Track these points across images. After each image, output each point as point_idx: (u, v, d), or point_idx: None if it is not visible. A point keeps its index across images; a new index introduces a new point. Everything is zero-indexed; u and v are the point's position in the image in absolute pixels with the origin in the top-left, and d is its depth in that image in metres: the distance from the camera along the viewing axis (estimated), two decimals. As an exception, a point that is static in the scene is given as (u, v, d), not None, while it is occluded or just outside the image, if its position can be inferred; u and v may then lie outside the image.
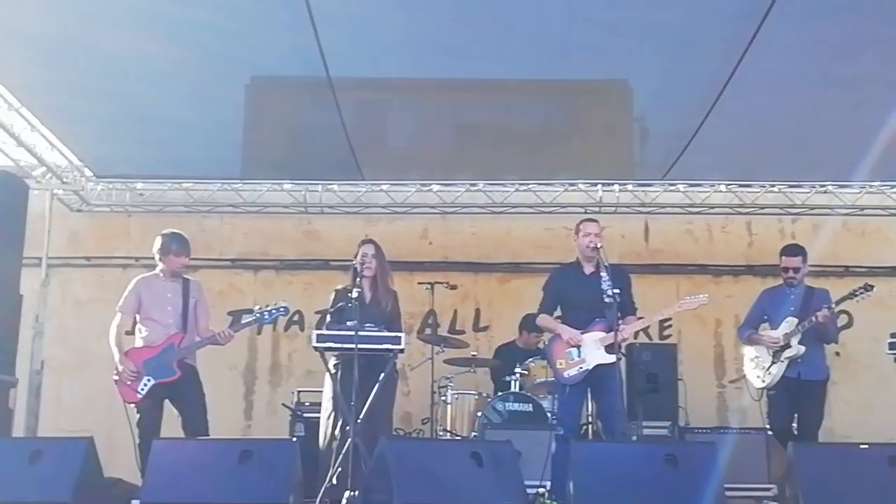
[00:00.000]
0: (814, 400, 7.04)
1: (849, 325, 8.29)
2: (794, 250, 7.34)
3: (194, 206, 9.45)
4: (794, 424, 7.11)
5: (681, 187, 9.26)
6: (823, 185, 9.08)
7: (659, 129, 8.30)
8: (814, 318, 6.86)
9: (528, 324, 8.47)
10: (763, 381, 7.11)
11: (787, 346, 7.00)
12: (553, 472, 6.27)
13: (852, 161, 8.46)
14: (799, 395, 7.03)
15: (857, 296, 6.89)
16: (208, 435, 6.45)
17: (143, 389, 6.46)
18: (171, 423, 6.62)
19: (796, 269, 7.18)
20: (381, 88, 7.85)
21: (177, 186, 9.44)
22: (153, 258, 6.90)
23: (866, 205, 9.16)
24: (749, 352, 7.33)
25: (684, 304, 6.80)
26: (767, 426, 7.29)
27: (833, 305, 6.96)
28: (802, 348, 6.95)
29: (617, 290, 6.36)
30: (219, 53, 6.87)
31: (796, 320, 7.01)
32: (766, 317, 7.33)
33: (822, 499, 5.26)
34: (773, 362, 7.07)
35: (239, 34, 6.61)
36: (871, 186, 9.07)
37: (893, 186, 9.12)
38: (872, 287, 6.89)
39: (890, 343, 6.99)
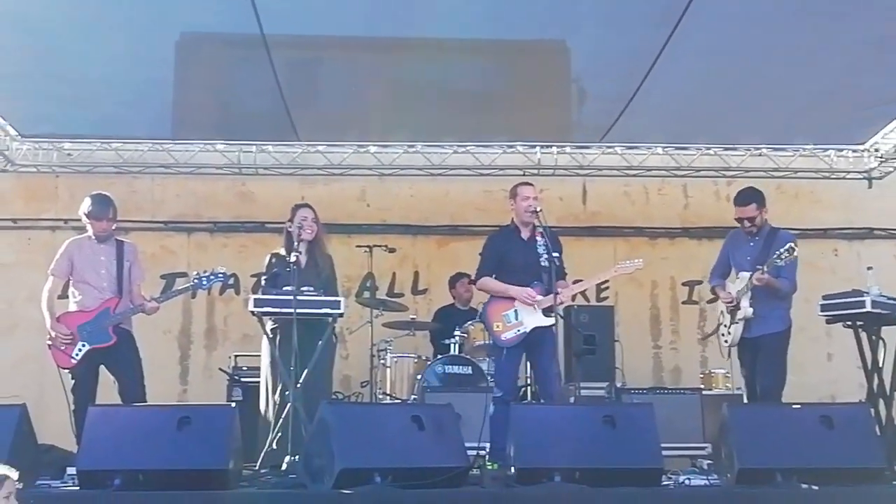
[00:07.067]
0: (766, 355, 6.60)
1: (781, 288, 8.41)
2: (746, 198, 6.78)
3: (124, 167, 9.18)
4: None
5: (618, 150, 9.24)
6: (758, 148, 9.16)
7: (597, 91, 8.26)
8: (753, 281, 6.49)
9: (455, 280, 8.65)
10: (726, 341, 6.84)
11: (739, 306, 6.66)
12: (491, 434, 6.30)
13: (786, 125, 8.62)
14: (756, 352, 6.69)
15: (781, 259, 6.40)
16: (145, 401, 6.34)
17: (77, 355, 6.32)
18: (108, 388, 6.48)
19: (751, 219, 6.70)
20: (316, 46, 7.70)
21: (106, 146, 9.15)
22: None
23: (799, 167, 9.27)
24: (719, 304, 7.00)
25: (620, 268, 6.84)
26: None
27: (764, 268, 6.46)
28: (751, 310, 6.57)
29: (556, 254, 6.38)
30: (146, 8, 6.64)
31: (749, 274, 6.58)
32: (731, 262, 6.87)
33: (755, 457, 5.36)
34: (731, 321, 6.76)
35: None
36: (804, 150, 9.18)
37: (826, 150, 9.25)
38: (794, 248, 6.40)
39: (822, 305, 7.10)
